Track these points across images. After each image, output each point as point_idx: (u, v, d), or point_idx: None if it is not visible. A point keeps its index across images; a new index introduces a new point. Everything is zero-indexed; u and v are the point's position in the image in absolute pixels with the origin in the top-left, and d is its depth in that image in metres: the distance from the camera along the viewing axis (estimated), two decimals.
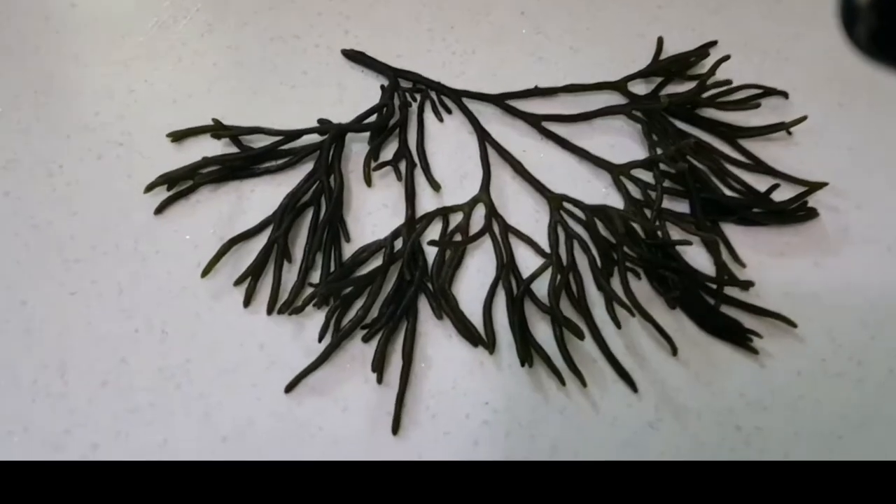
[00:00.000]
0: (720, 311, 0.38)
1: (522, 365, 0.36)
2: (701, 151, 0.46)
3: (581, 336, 0.36)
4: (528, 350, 0.37)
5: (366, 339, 0.36)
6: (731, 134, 0.48)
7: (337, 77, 0.48)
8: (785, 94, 0.51)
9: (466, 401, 0.35)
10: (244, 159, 0.41)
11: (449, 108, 0.47)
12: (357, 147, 0.44)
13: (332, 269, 0.38)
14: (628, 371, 0.37)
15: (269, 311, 0.37)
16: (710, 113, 0.49)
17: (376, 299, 0.37)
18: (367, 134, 0.44)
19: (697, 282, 0.40)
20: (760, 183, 0.46)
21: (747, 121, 0.49)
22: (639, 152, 0.46)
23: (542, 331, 0.38)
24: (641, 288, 0.40)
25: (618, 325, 0.37)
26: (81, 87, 0.45)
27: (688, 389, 0.37)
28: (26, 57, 0.46)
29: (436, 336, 0.37)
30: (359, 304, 0.37)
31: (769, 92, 0.51)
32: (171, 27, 0.49)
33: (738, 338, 0.38)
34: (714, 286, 0.40)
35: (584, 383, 0.36)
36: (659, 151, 0.44)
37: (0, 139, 0.42)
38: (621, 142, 0.47)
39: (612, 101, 0.49)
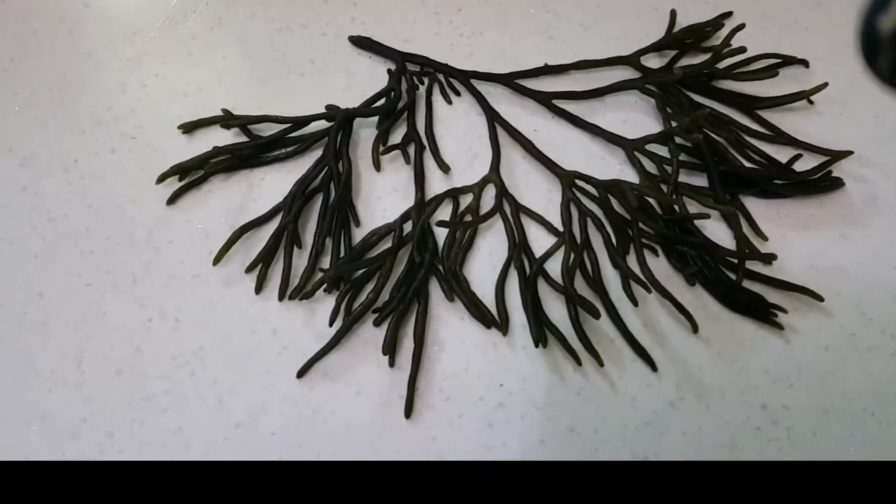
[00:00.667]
0: (742, 287, 0.37)
1: (536, 345, 0.35)
2: (718, 123, 0.45)
3: (597, 315, 0.35)
4: (541, 330, 0.36)
5: (377, 323, 0.36)
6: (750, 105, 0.46)
7: (345, 64, 0.47)
8: (805, 63, 0.49)
9: (480, 383, 0.35)
10: (253, 148, 0.41)
11: (458, 90, 0.46)
12: (366, 132, 0.44)
13: (343, 253, 0.38)
14: (647, 350, 0.36)
15: (281, 297, 0.37)
16: (727, 84, 0.47)
17: (387, 282, 0.36)
18: (376, 119, 0.43)
19: (717, 256, 0.39)
20: (782, 154, 0.44)
21: (766, 91, 0.47)
22: (653, 127, 0.45)
23: (557, 311, 0.37)
24: (659, 265, 0.39)
25: (634, 302, 0.36)
26: (95, 83, 0.45)
27: (710, 368, 0.36)
28: (42, 56, 0.47)
29: (448, 319, 0.37)
30: (369, 287, 0.37)
31: (788, 61, 0.49)
32: (180, 22, 0.49)
33: (762, 313, 0.37)
34: (735, 261, 0.39)
35: (601, 363, 0.35)
36: (674, 125, 0.43)
37: (18, 136, 0.43)
38: (635, 117, 0.46)
39: (625, 76, 0.47)
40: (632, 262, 0.38)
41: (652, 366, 0.35)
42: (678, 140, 0.40)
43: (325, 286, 0.35)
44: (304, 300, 0.36)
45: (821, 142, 0.45)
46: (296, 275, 0.37)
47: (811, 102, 0.47)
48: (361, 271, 0.36)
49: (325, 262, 0.38)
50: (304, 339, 0.35)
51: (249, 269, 0.37)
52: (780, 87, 0.47)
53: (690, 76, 0.45)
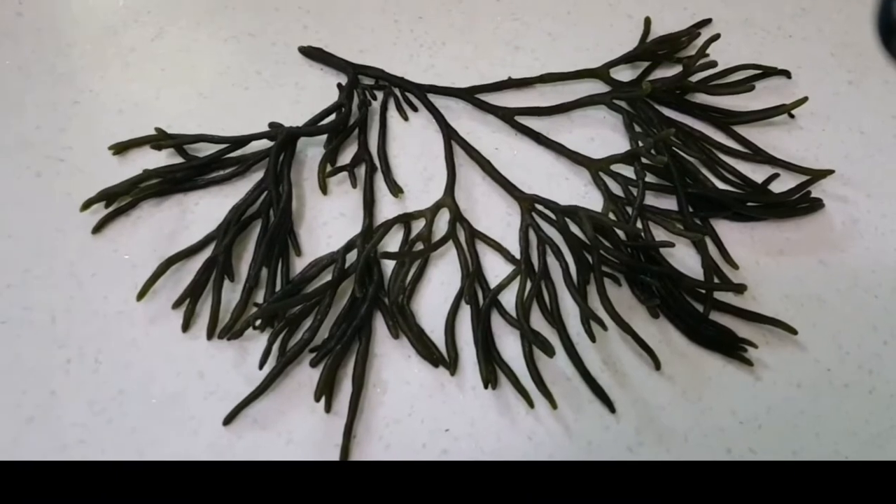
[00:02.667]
0: (709, 319, 0.35)
1: (486, 386, 0.33)
2: (689, 140, 0.43)
3: (551, 353, 0.33)
4: (492, 369, 0.34)
5: (314, 364, 0.34)
6: (725, 120, 0.45)
7: (294, 76, 0.45)
8: (787, 74, 0.48)
9: (424, 428, 0.33)
10: (188, 170, 0.39)
11: (414, 105, 0.44)
12: (313, 152, 0.42)
13: (280, 287, 0.36)
14: (605, 389, 0.34)
15: (209, 336, 0.35)
16: (702, 98, 0.45)
17: (325, 319, 0.34)
18: (325, 137, 0.41)
19: (683, 286, 0.37)
20: (759, 173, 0.42)
21: (745, 105, 0.45)
22: (622, 145, 0.43)
23: (511, 347, 0.35)
24: (621, 295, 0.37)
25: (592, 338, 0.34)
26: (24, 99, 0.43)
27: (673, 408, 0.34)
28: None
29: (392, 357, 0.35)
30: (307, 325, 0.35)
31: (769, 72, 0.47)
32: (119, 33, 0.47)
33: (731, 348, 0.35)
34: (703, 291, 0.37)
35: (553, 405, 0.33)
36: (641, 144, 0.41)
37: None
38: (602, 134, 0.44)
39: (594, 90, 0.46)
40: (592, 293, 0.36)
41: (610, 407, 0.34)
42: (644, 160, 0.39)
43: (257, 324, 0.33)
44: (235, 339, 0.34)
45: (801, 159, 0.43)
46: (227, 310, 0.35)
47: (792, 116, 0.46)
48: (298, 307, 0.34)
49: (261, 297, 0.36)
50: (233, 382, 0.33)
51: (176, 305, 0.35)
52: (761, 99, 0.45)
53: (661, 90, 0.44)
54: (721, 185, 0.42)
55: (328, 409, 0.33)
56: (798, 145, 0.45)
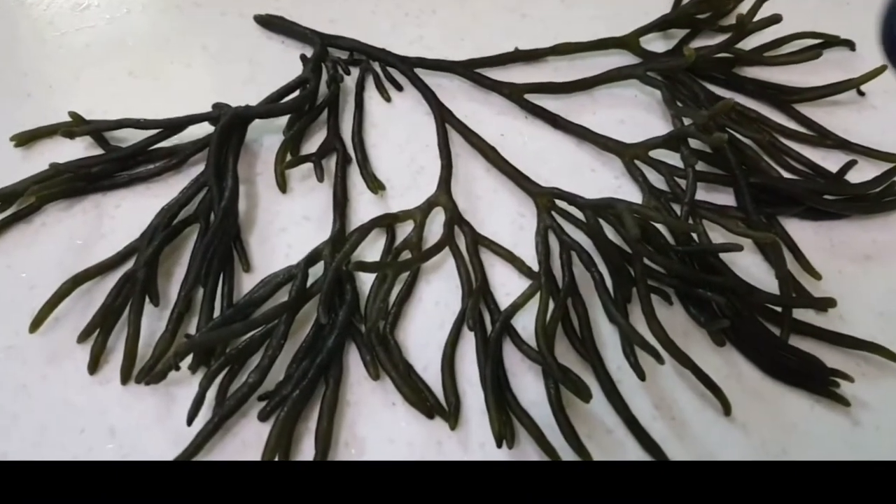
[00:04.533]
0: (790, 346, 0.28)
1: (499, 444, 0.25)
2: (745, 121, 0.35)
3: (586, 396, 0.25)
4: (505, 419, 0.25)
5: (263, 417, 0.25)
6: (785, 97, 0.37)
7: (248, 51, 0.38)
8: (851, 45, 0.41)
9: None
10: (107, 164, 0.31)
11: (399, 83, 0.37)
12: (269, 141, 0.34)
13: (221, 312, 0.27)
14: (659, 444, 0.26)
15: (125, 380, 0.26)
16: (754, 72, 0.38)
17: (278, 354, 0.26)
18: (285, 122, 0.33)
19: (755, 304, 0.29)
20: (830, 161, 0.35)
21: (804, 81, 0.38)
22: (659, 128, 0.35)
23: (532, 389, 0.27)
24: (674, 317, 0.29)
25: (641, 375, 0.26)
26: None
27: None
28: None
29: (371, 406, 0.27)
30: (255, 363, 0.26)
31: (830, 41, 0.40)
32: (36, 3, 0.39)
33: (819, 383, 0.28)
34: (779, 309, 0.29)
35: None
36: (687, 123, 0.33)
37: None
38: (634, 115, 0.36)
39: (620, 63, 0.38)
40: (636, 314, 0.28)
41: None
42: (693, 144, 0.31)
43: (184, 362, 0.25)
44: (157, 384, 0.26)
45: (878, 144, 0.37)
46: (150, 345, 0.27)
47: (862, 94, 0.39)
48: (242, 339, 0.26)
49: (194, 327, 0.27)
50: (153, 442, 0.25)
51: (83, 338, 0.27)
52: (820, 75, 0.38)
53: (706, 60, 0.36)
54: (787, 176, 0.34)
55: None
56: (871, 127, 0.37)
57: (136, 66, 0.37)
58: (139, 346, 0.27)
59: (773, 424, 0.28)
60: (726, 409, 0.27)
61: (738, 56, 0.37)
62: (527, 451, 0.26)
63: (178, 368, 0.24)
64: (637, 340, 0.25)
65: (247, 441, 0.26)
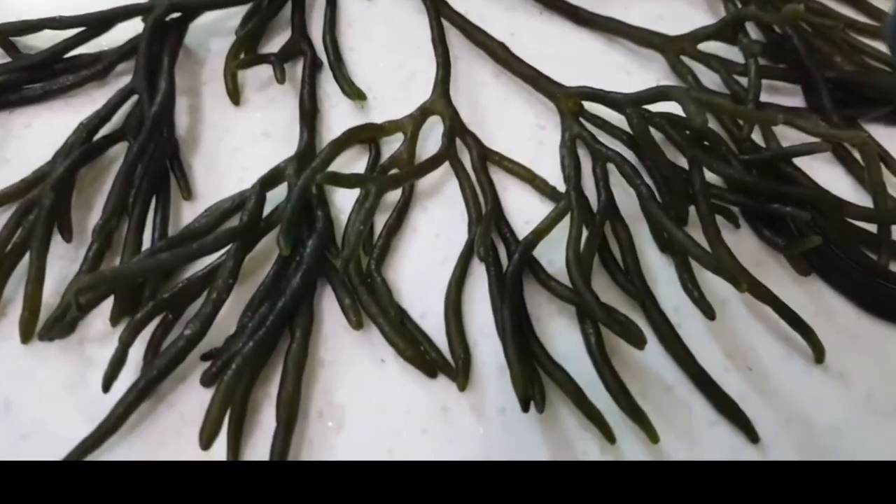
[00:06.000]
0: (890, 272, 0.23)
1: (525, 408, 0.19)
2: (810, 11, 0.29)
3: (641, 342, 0.19)
4: (533, 376, 0.19)
5: (207, 381, 0.19)
6: None
7: None
8: None
9: None
10: (17, 73, 0.25)
11: None
12: (218, 45, 0.28)
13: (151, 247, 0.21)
14: (736, 401, 0.20)
15: (26, 337, 0.20)
16: None
17: (226, 298, 0.20)
18: (237, 19, 0.27)
19: (846, 221, 0.23)
20: None
21: None
22: (702, 22, 0.29)
23: (563, 337, 0.21)
24: (741, 243, 0.23)
25: (710, 314, 0.20)
26: None
27: (852, 428, 0.20)
28: None
29: (353, 364, 0.21)
30: (196, 310, 0.20)
31: None
32: None
33: None
34: (874, 228, 0.23)
35: (653, 437, 0.19)
36: (743, 7, 0.27)
37: None
38: (675, 9, 0.30)
39: None
40: (696, 236, 0.22)
41: (750, 433, 0.19)
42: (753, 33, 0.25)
43: (106, 313, 0.19)
44: (63, 339, 0.20)
45: None
46: (59, 293, 0.21)
47: None
48: (180, 281, 0.20)
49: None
50: (62, 417, 0.19)
51: None
52: None
53: None
54: None
55: (234, 457, 0.18)
56: None
57: None
58: (45, 293, 0.21)
59: (879, 372, 0.22)
60: (818, 354, 0.21)
61: None
62: (561, 416, 0.20)
63: (80, 309, 0.18)
64: (708, 260, 0.19)
65: (186, 414, 0.19)
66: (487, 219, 0.22)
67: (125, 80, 0.25)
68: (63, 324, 0.19)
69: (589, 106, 0.25)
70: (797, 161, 0.24)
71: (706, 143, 0.24)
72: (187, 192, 0.23)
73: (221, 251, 0.20)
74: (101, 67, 0.25)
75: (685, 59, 0.27)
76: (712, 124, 0.25)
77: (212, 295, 0.20)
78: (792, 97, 0.27)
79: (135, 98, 0.24)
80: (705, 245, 0.21)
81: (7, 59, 0.26)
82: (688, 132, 0.24)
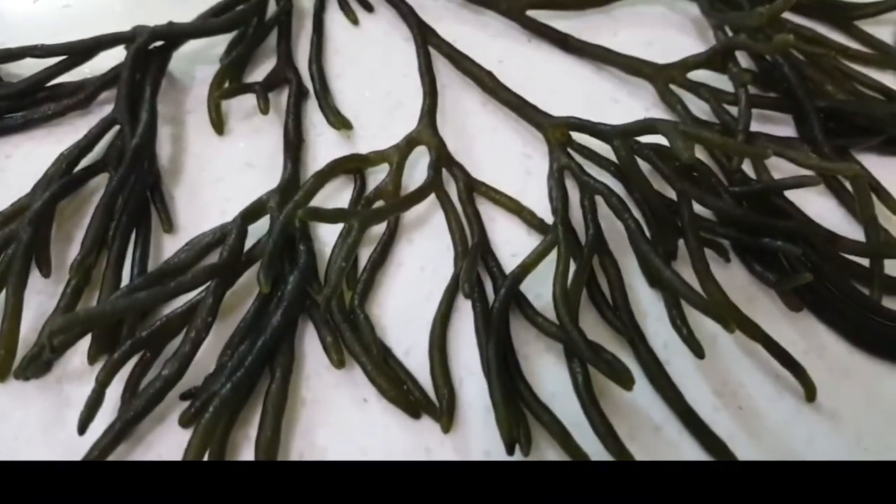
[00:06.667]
0: (883, 308, 0.23)
1: (511, 451, 0.19)
2: (801, 41, 0.29)
3: (628, 382, 0.19)
4: (517, 417, 0.19)
5: (186, 422, 0.19)
6: (844, 13, 0.31)
7: None
8: None
9: None
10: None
11: (369, 2, 0.30)
12: (203, 72, 0.27)
13: (131, 282, 0.21)
14: (726, 442, 0.19)
15: (1, 375, 0.20)
16: None
17: (206, 335, 0.19)
18: (222, 48, 0.27)
19: (835, 254, 0.22)
20: None
21: None
22: (694, 51, 0.29)
23: (550, 375, 0.21)
24: (732, 278, 0.23)
25: (699, 352, 0.20)
26: None
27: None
28: None
29: (335, 404, 0.20)
30: (174, 349, 0.20)
31: None
32: None
33: None
34: (866, 262, 0.23)
35: None
36: (732, 36, 0.27)
37: None
38: (664, 36, 0.30)
39: None
40: (683, 274, 0.21)
41: None
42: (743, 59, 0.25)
43: (83, 351, 0.19)
44: (39, 378, 0.19)
45: None
46: (36, 329, 0.21)
47: None
48: (158, 318, 0.20)
49: (94, 303, 0.21)
50: (39, 458, 0.19)
51: None
52: None
53: None
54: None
55: None
56: None
57: None
58: (23, 328, 0.20)
59: (871, 411, 0.22)
60: (809, 392, 0.21)
61: None
62: (548, 457, 0.20)
63: (53, 351, 0.18)
64: (696, 300, 0.19)
65: (164, 455, 0.19)
66: (473, 253, 0.22)
67: (108, 109, 0.25)
68: (39, 363, 0.19)
69: (577, 136, 0.25)
70: (789, 192, 0.24)
71: (695, 174, 0.24)
72: (168, 225, 0.23)
73: (201, 287, 0.20)
74: (83, 96, 0.25)
75: (674, 87, 0.27)
76: (702, 155, 0.25)
77: (190, 334, 0.19)
78: (783, 126, 0.27)
79: (116, 128, 0.24)
80: (695, 279, 0.21)
81: None
82: (677, 164, 0.23)
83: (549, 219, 0.24)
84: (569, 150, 0.25)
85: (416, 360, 0.21)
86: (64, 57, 0.26)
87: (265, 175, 0.25)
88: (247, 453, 0.19)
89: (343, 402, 0.20)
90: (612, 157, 0.24)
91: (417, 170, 0.25)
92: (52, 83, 0.26)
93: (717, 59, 0.26)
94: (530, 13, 0.30)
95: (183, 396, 0.20)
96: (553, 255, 0.22)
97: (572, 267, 0.22)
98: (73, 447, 0.19)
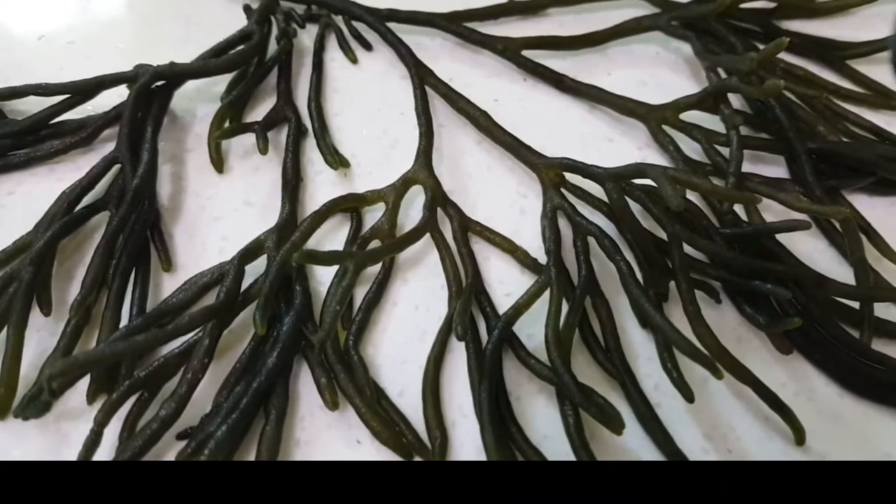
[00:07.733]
0: (873, 351, 0.23)
1: None
2: (793, 80, 0.30)
3: (618, 426, 0.19)
4: (507, 459, 0.20)
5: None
6: (836, 53, 0.32)
7: (183, 7, 0.32)
8: None
9: None
10: (1, 139, 0.25)
11: (368, 42, 0.31)
12: (204, 110, 0.28)
13: (130, 322, 0.21)
14: None
15: (1, 414, 0.20)
16: (797, 26, 0.33)
17: (202, 377, 0.20)
18: (222, 87, 0.28)
19: (825, 297, 0.23)
20: (895, 125, 0.29)
21: (855, 36, 0.32)
22: (687, 90, 0.30)
23: (542, 417, 0.21)
24: (722, 320, 0.23)
25: (688, 396, 0.20)
26: None
27: None
28: None
29: (328, 446, 0.21)
30: (172, 390, 0.20)
31: None
32: None
33: None
34: (856, 305, 0.23)
35: None
36: (725, 79, 0.27)
37: None
38: (658, 76, 0.31)
39: (637, 14, 0.32)
40: (674, 316, 0.22)
41: None
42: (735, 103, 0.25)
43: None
44: (39, 418, 0.20)
45: None
46: (37, 368, 0.21)
47: None
48: (155, 359, 0.20)
49: (94, 340, 0.21)
50: None
51: None
52: (874, 29, 0.33)
53: (741, 10, 0.31)
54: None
55: None
56: None
57: (46, 26, 0.31)
58: (24, 366, 0.21)
59: (860, 454, 0.22)
60: (798, 436, 0.21)
61: (781, 4, 0.32)
62: None
63: (53, 395, 0.18)
64: (685, 347, 0.19)
65: None
66: (466, 294, 0.23)
67: (110, 146, 0.26)
68: (38, 404, 0.19)
69: (570, 176, 0.26)
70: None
71: (687, 212, 0.25)
72: (167, 264, 0.23)
73: (198, 328, 0.21)
74: (85, 135, 0.26)
75: (667, 127, 0.28)
76: (694, 196, 0.26)
77: (187, 374, 0.20)
78: (775, 166, 0.28)
79: (118, 167, 0.24)
80: (685, 320, 0.22)
81: None
82: (668, 207, 0.24)
83: (542, 258, 0.24)
84: (562, 190, 0.26)
85: (411, 401, 0.22)
86: (67, 95, 0.26)
87: (264, 213, 0.25)
88: None
89: (336, 444, 0.21)
90: (605, 196, 0.25)
91: (413, 208, 0.26)
92: (55, 121, 0.26)
93: (709, 100, 0.27)
94: (526, 53, 0.30)
95: (179, 436, 0.20)
96: (546, 295, 0.23)
97: (564, 307, 0.23)
98: None
